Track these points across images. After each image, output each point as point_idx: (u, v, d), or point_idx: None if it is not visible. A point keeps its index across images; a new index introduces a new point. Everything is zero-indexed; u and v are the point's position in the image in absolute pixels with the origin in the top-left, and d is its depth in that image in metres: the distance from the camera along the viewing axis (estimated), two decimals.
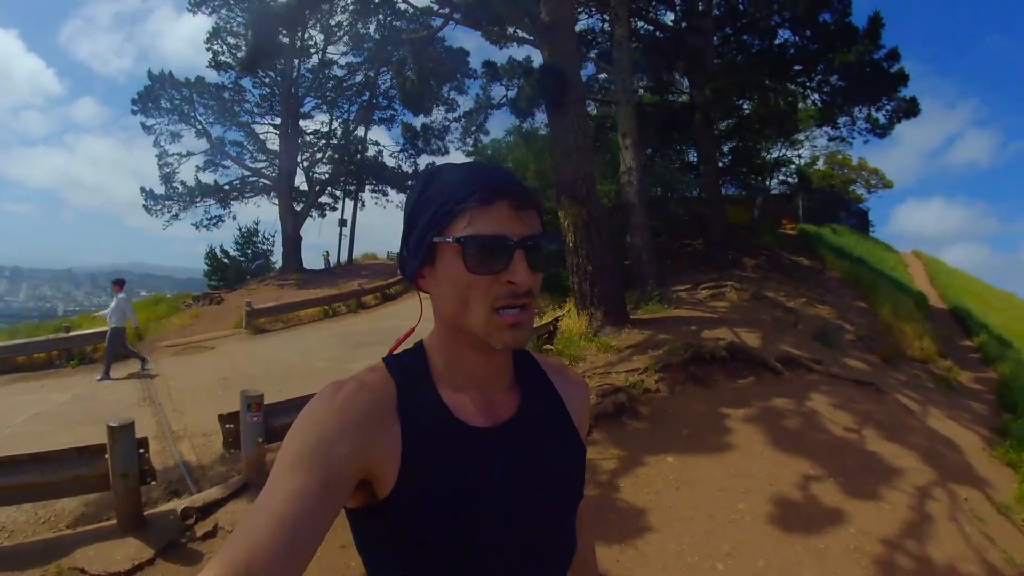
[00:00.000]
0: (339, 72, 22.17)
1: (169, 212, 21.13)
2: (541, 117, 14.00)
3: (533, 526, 0.76)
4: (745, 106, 15.06)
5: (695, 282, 11.01)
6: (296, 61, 20.68)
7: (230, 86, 20.83)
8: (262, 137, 21.76)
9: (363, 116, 22.62)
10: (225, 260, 21.22)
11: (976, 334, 12.37)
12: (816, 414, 5.54)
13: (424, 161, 23.39)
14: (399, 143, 23.56)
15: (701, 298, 10.14)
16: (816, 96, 14.51)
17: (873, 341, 8.94)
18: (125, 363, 9.45)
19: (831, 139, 16.77)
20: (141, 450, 3.69)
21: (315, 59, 21.49)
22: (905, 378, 7.74)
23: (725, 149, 17.72)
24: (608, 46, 14.12)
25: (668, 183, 15.92)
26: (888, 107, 13.48)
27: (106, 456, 3.59)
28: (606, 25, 14.75)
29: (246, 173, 21.87)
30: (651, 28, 15.20)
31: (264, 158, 21.98)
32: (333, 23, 19.87)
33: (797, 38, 13.69)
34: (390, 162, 23.66)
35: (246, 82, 20.63)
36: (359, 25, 19.60)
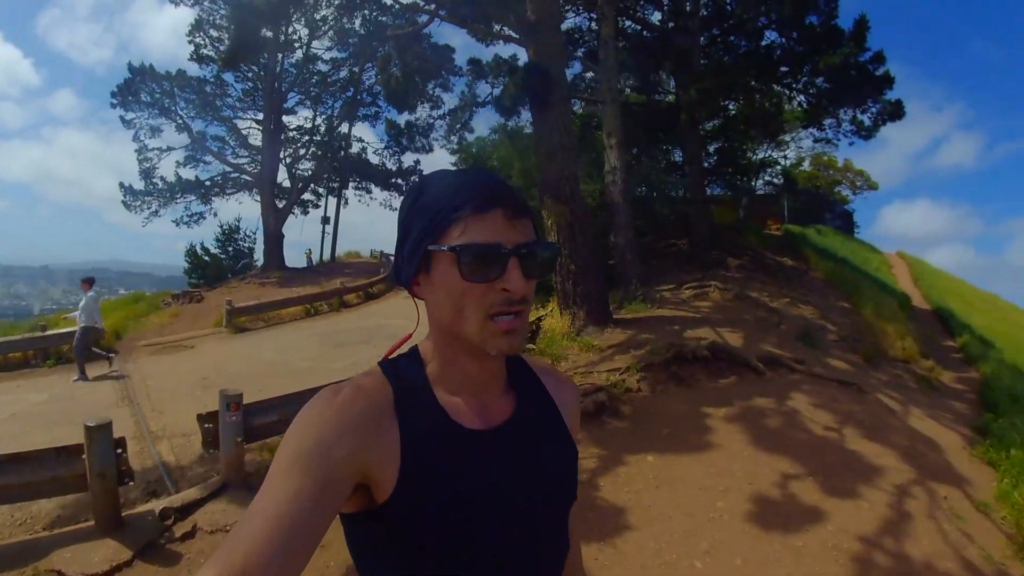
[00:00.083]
0: (323, 67, 21.98)
1: (149, 208, 20.77)
2: (527, 115, 13.92)
3: (530, 529, 0.77)
4: (731, 107, 15.08)
5: (679, 282, 10.99)
6: (280, 56, 20.42)
7: (212, 80, 20.51)
8: (244, 133, 21.48)
9: (347, 112, 22.39)
10: (206, 258, 20.85)
11: (959, 334, 12.47)
12: (797, 413, 5.55)
13: (408, 159, 23.28)
14: (383, 140, 23.48)
15: (684, 298, 10.13)
16: (802, 98, 14.55)
17: (856, 341, 8.96)
18: (101, 364, 9.31)
19: (816, 140, 16.86)
20: (119, 450, 3.66)
21: (299, 54, 21.27)
22: (887, 378, 7.77)
23: (711, 149, 17.76)
24: (595, 45, 14.05)
25: (653, 183, 15.90)
26: (873, 109, 13.52)
27: (83, 456, 3.55)
28: (593, 24, 14.68)
29: (228, 169, 21.54)
30: (638, 27, 15.17)
31: (246, 154, 21.71)
32: (318, 17, 19.64)
33: (783, 40, 13.69)
34: (374, 159, 23.50)
35: (228, 76, 20.35)
36: (344, 20, 19.39)
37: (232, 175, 21.55)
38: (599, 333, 7.86)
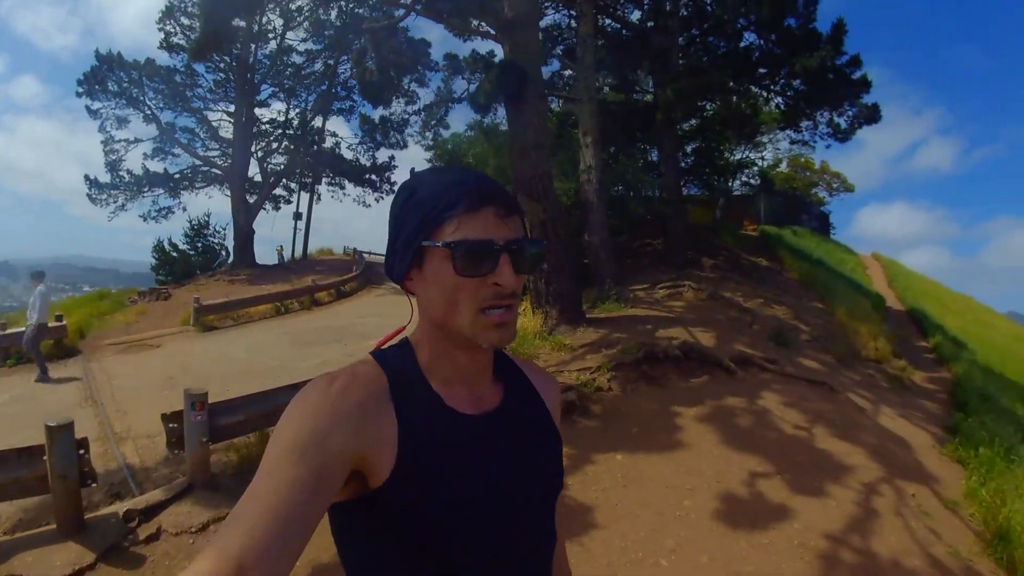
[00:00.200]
0: (298, 59, 21.40)
1: (115, 202, 19.97)
2: (503, 112, 13.77)
3: (527, 527, 0.79)
4: (708, 107, 15.09)
5: (653, 281, 10.97)
6: (253, 46, 19.84)
7: (182, 69, 19.76)
8: (215, 125, 20.80)
9: (321, 106, 21.81)
10: (174, 254, 20.15)
11: (932, 335, 12.63)
12: (768, 413, 5.59)
13: (383, 155, 22.89)
14: (358, 135, 22.91)
15: (658, 297, 10.11)
16: (779, 99, 14.63)
17: (828, 341, 8.99)
18: (65, 363, 9.20)
19: (793, 142, 17.00)
20: (81, 451, 3.61)
21: (273, 45, 20.68)
22: (859, 378, 7.83)
23: (688, 149, 17.78)
24: (573, 42, 13.94)
25: (630, 182, 15.85)
26: (850, 112, 13.65)
27: (45, 458, 3.50)
28: (572, 21, 14.59)
29: (197, 162, 20.81)
30: (617, 26, 15.10)
31: (217, 147, 21.01)
32: (293, 8, 19.12)
33: (762, 41, 13.74)
34: (348, 154, 23.01)
35: (200, 66, 19.66)
36: (320, 11, 18.93)
37: (202, 168, 20.86)
38: (571, 332, 7.78)
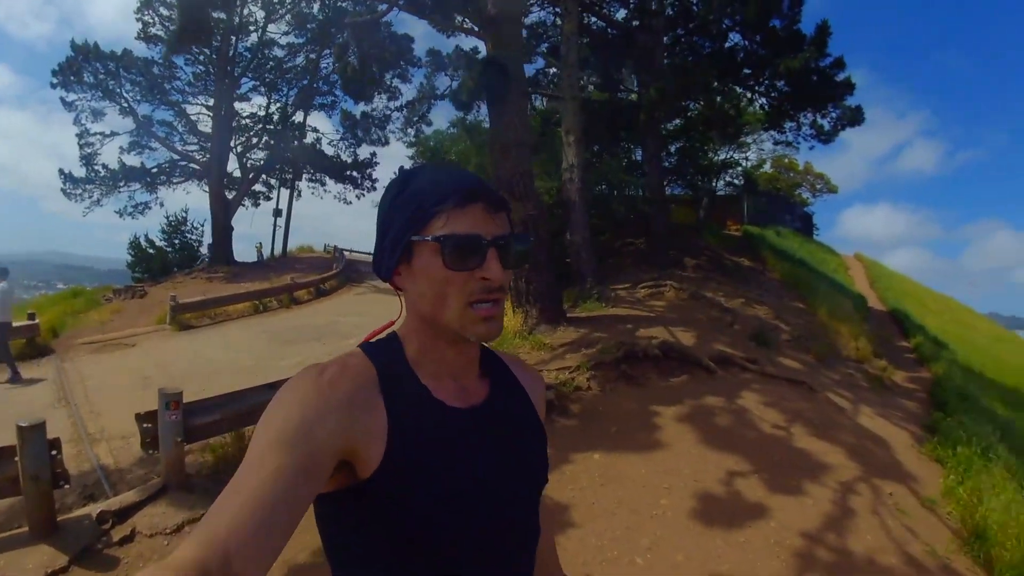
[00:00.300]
0: (279, 53, 21.01)
1: (90, 197, 19.43)
2: (486, 110, 13.67)
3: (513, 521, 0.80)
4: (692, 107, 15.11)
5: (635, 281, 10.94)
6: (233, 39, 19.40)
7: (160, 61, 19.29)
8: (193, 118, 20.31)
9: (303, 101, 21.46)
10: (150, 250, 19.73)
11: (913, 335, 12.73)
12: (747, 412, 5.58)
13: (365, 151, 22.65)
14: (339, 131, 22.64)
15: (640, 297, 10.07)
16: (763, 100, 14.69)
17: (809, 341, 9.00)
18: (38, 362, 9.07)
19: (777, 143, 17.08)
20: (53, 452, 3.57)
21: (254, 37, 20.28)
22: (839, 377, 7.85)
23: (672, 149, 17.80)
24: (558, 40, 13.88)
25: (613, 181, 15.82)
26: (833, 114, 13.76)
27: (16, 459, 3.46)
28: (557, 19, 14.51)
29: (175, 157, 20.35)
30: (603, 24, 15.06)
31: (195, 141, 20.56)
32: (275, 0, 18.86)
33: (747, 42, 13.79)
34: (329, 150, 22.68)
35: (179, 58, 19.23)
36: (302, 3, 18.65)
37: (180, 163, 20.39)
38: (551, 331, 7.72)
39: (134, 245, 19.82)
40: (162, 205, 21.31)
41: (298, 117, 22.11)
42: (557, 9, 14.01)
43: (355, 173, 22.41)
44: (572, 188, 10.26)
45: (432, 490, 0.72)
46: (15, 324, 8.75)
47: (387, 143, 21.50)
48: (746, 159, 24.15)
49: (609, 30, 15.01)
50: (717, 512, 3.84)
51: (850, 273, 22.17)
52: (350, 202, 23.15)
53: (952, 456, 5.15)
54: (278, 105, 21.79)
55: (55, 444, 3.59)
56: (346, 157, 22.54)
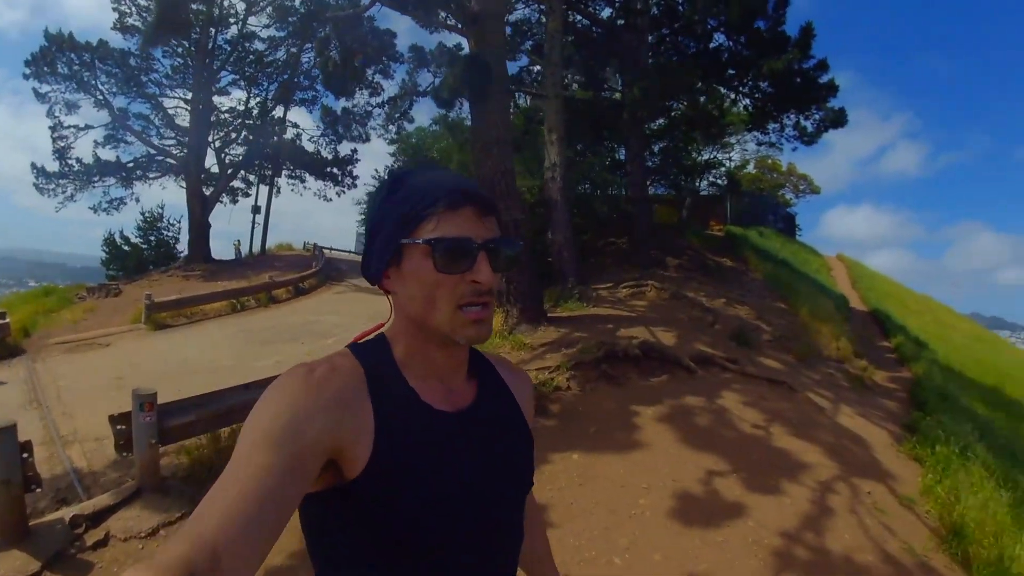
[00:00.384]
0: (260, 46, 20.62)
1: (63, 192, 18.90)
2: (469, 107, 13.56)
3: (498, 523, 0.81)
4: (676, 107, 15.13)
5: (617, 281, 10.92)
6: (213, 31, 19.00)
7: (137, 53, 18.79)
8: (171, 112, 19.85)
9: (283, 95, 21.06)
10: (125, 247, 19.30)
11: (894, 335, 12.83)
12: (726, 412, 5.56)
13: (345, 148, 22.34)
14: (320, 127, 22.33)
15: (621, 297, 10.05)
16: (747, 101, 14.75)
17: (790, 341, 9.00)
18: (8, 363, 9.07)
19: (760, 144, 17.17)
20: (25, 454, 3.52)
21: (234, 30, 19.86)
22: (819, 377, 7.85)
23: (655, 149, 17.81)
24: (542, 38, 13.81)
25: (595, 180, 15.79)
26: (816, 116, 13.85)
27: None
28: (542, 17, 14.43)
29: (151, 151, 19.83)
30: (587, 23, 15.02)
31: (172, 135, 20.08)
32: None
33: (731, 43, 13.85)
34: (309, 147, 22.34)
35: (156, 50, 18.76)
36: None
37: (156, 158, 19.87)
38: (532, 331, 7.66)
39: (109, 242, 19.40)
40: (138, 201, 20.92)
41: (278, 112, 21.79)
42: (542, 7, 13.94)
43: (335, 170, 22.13)
44: (554, 187, 10.21)
45: (419, 493, 0.72)
46: None
47: (368, 140, 21.27)
48: (729, 159, 24.34)
49: (594, 28, 14.97)
50: (695, 512, 3.84)
51: (832, 274, 22.38)
52: (330, 199, 22.94)
53: (931, 455, 5.16)
54: (258, 99, 21.43)
55: (26, 447, 3.55)
56: (326, 153, 22.25)
